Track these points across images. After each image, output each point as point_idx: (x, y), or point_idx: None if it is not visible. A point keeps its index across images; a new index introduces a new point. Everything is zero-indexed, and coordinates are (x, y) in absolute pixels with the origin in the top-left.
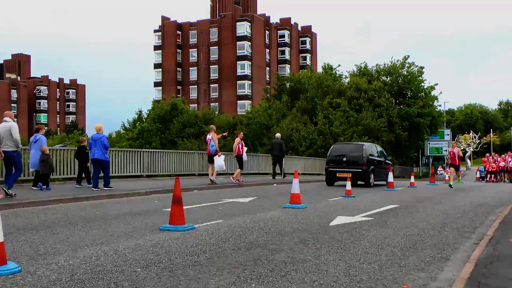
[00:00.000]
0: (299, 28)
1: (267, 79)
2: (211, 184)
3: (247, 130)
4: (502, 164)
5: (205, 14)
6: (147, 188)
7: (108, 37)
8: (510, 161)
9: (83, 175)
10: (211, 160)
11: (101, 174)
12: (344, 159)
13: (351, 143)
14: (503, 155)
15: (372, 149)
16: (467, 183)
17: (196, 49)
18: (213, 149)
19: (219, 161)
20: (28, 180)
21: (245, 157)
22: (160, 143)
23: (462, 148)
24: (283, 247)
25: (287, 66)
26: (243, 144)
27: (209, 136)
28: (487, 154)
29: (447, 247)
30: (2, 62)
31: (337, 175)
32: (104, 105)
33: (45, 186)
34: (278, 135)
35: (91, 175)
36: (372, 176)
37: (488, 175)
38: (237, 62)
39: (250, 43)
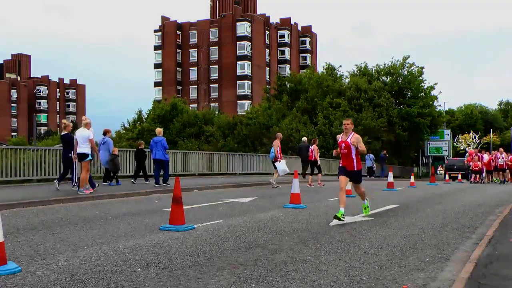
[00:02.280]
0: (299, 28)
1: (267, 79)
2: (275, 187)
3: (247, 130)
4: (486, 158)
5: (205, 14)
6: (147, 188)
7: (108, 37)
8: (499, 158)
9: (140, 173)
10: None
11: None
12: (455, 166)
13: (458, 158)
14: (493, 152)
15: None
16: (466, 184)
17: (196, 49)
18: (272, 156)
19: (281, 165)
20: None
21: (319, 161)
22: None
23: (462, 148)
24: (283, 247)
25: (287, 66)
26: (318, 149)
27: (273, 143)
28: (473, 150)
29: (447, 247)
30: (2, 62)
31: (451, 174)
32: (104, 105)
33: (114, 182)
34: (304, 138)
35: (149, 173)
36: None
37: (473, 175)
38: (237, 62)
39: (250, 43)
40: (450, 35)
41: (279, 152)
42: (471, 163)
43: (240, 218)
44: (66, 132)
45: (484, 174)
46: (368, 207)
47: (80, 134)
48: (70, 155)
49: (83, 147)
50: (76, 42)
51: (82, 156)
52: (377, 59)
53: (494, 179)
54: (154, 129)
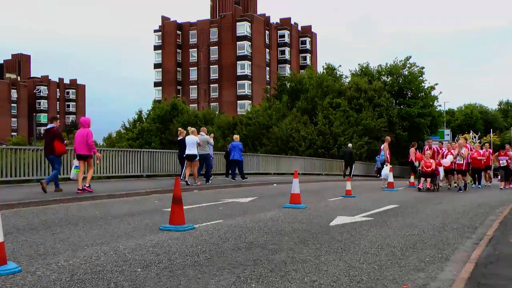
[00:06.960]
0: (299, 28)
1: (267, 79)
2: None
3: (247, 130)
4: (446, 161)
5: (205, 14)
6: (147, 188)
7: (108, 36)
8: (457, 157)
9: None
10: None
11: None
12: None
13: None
14: (453, 144)
15: None
16: (413, 192)
17: (196, 49)
18: (382, 158)
19: (386, 170)
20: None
21: (417, 164)
22: (160, 143)
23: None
24: (283, 247)
25: (287, 66)
26: (417, 152)
27: (381, 146)
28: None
29: (447, 247)
30: (2, 62)
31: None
32: (104, 105)
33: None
34: (350, 145)
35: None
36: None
37: (423, 179)
38: (237, 62)
39: (250, 43)
40: (450, 35)
41: (389, 156)
42: (421, 161)
43: (240, 218)
44: (181, 138)
45: (441, 176)
46: None
47: (189, 140)
48: (184, 155)
49: (192, 150)
50: (76, 42)
51: (192, 157)
52: (377, 59)
53: (445, 184)
54: (154, 129)
